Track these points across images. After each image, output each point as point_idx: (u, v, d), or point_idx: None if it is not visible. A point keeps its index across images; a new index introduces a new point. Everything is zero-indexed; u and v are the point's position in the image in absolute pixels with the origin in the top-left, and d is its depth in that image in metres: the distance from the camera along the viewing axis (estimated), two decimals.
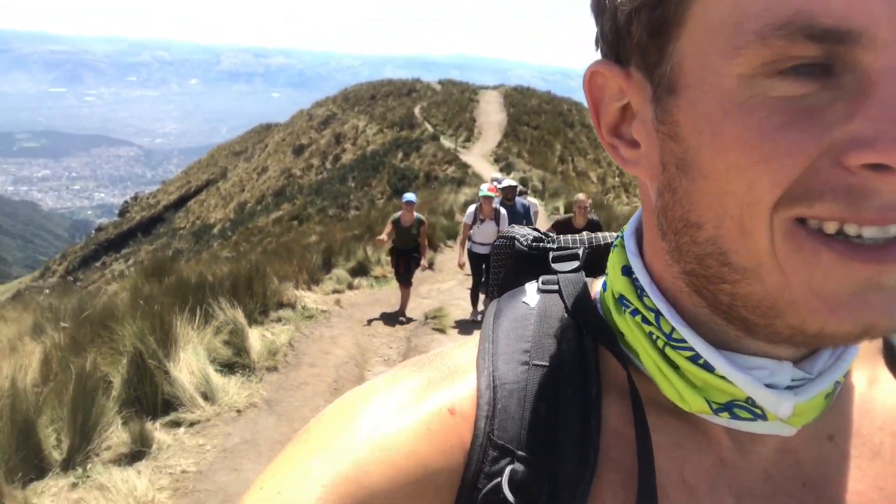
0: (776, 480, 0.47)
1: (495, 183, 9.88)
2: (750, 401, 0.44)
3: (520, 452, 0.45)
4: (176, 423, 3.98)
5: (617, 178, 38.17)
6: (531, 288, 0.56)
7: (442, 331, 7.17)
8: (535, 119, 44.08)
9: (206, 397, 4.20)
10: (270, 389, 4.69)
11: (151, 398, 4.02)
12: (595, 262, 0.58)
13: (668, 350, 0.47)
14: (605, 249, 0.59)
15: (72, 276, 47.93)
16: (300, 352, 5.83)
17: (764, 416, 0.44)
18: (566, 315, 0.52)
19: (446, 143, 38.27)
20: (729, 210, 0.39)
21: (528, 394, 0.47)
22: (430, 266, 8.80)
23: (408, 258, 8.09)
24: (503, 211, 7.57)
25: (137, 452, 3.45)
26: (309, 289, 8.42)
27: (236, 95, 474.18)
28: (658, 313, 0.47)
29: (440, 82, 63.98)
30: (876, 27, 0.34)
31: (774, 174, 0.36)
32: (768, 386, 0.44)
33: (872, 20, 0.34)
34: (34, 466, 2.99)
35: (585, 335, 0.51)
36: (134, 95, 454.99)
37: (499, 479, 0.44)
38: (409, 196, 8.15)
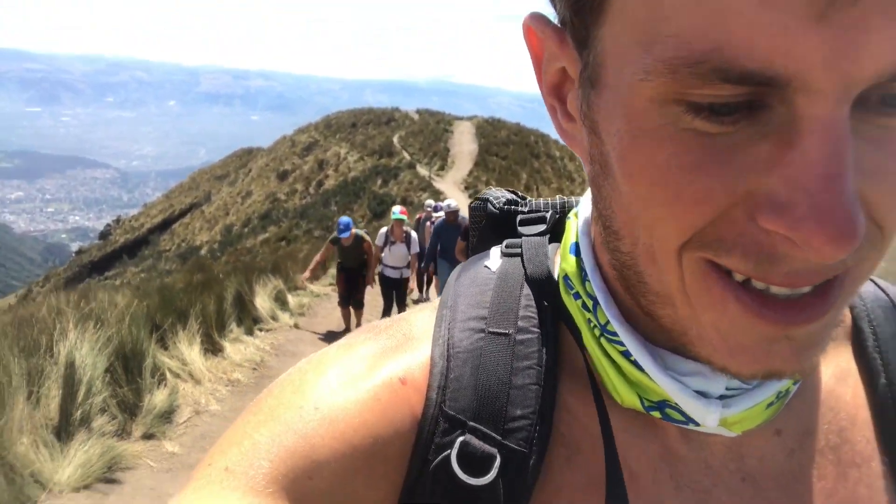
0: (717, 473, 0.46)
1: (429, 209, 10.56)
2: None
3: (471, 423, 0.44)
4: (259, 329, 7.30)
5: None
6: (495, 252, 0.55)
7: None
8: (504, 150, 47.44)
9: (273, 318, 7.83)
10: (303, 321, 8.26)
11: (249, 314, 7.37)
12: (563, 227, 0.54)
13: (603, 341, 0.45)
14: None
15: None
16: (315, 309, 9.16)
17: (696, 422, 0.43)
18: (526, 281, 0.50)
19: (422, 171, 41.31)
20: (640, 236, 0.37)
21: (482, 363, 0.45)
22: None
23: (355, 276, 7.61)
24: (413, 234, 7.65)
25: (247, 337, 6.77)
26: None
27: (215, 118, 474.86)
28: (596, 302, 0.45)
29: (418, 111, 67.20)
30: (808, 74, 0.29)
31: (679, 220, 0.34)
32: (700, 393, 0.42)
33: (806, 66, 0.29)
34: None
35: (544, 303, 0.49)
36: (111, 116, 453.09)
37: (448, 452, 0.43)
38: (342, 225, 7.35)
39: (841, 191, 0.30)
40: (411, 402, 0.45)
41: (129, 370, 4.23)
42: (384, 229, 7.69)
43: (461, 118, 61.02)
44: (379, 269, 7.68)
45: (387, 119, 64.22)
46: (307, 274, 8.22)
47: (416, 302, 9.02)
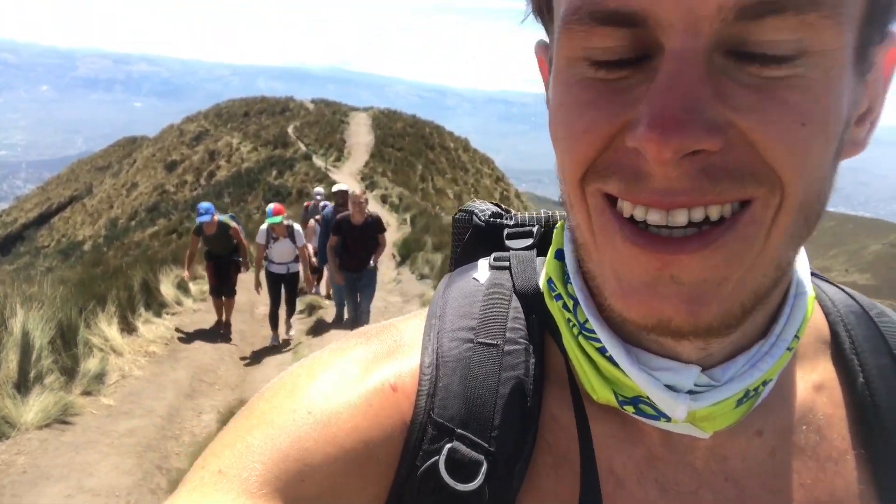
0: (701, 474, 0.47)
1: (318, 196, 10.16)
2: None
3: (459, 430, 0.45)
4: (166, 313, 8.00)
5: (472, 196, 43.48)
6: (483, 264, 0.56)
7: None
8: (400, 141, 48.57)
9: (178, 303, 8.58)
10: (205, 305, 8.81)
11: (156, 300, 7.99)
12: (549, 240, 0.57)
13: (581, 339, 0.47)
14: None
15: None
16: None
17: (666, 416, 0.45)
18: (514, 293, 0.52)
19: (318, 162, 41.64)
20: (564, 181, 0.42)
21: (470, 372, 0.47)
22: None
23: (226, 264, 7.39)
24: (297, 226, 7.31)
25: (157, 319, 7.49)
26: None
27: (94, 104, 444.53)
28: (576, 302, 0.47)
29: (313, 101, 66.76)
30: (659, 9, 0.34)
31: (574, 150, 0.39)
32: (669, 387, 0.43)
33: (657, 3, 0.34)
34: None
35: (532, 315, 0.50)
36: None
37: (436, 458, 0.44)
38: (202, 210, 7.02)
39: (674, 98, 0.34)
40: (401, 408, 0.46)
41: (66, 342, 5.11)
42: (264, 226, 7.16)
43: (357, 109, 61.44)
44: (265, 265, 7.33)
45: (281, 109, 63.54)
46: (186, 273, 7.74)
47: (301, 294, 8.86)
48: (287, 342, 7.77)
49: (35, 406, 4.30)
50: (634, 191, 0.37)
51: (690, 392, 0.44)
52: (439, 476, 0.44)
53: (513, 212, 0.62)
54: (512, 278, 0.53)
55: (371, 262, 6.89)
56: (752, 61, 0.35)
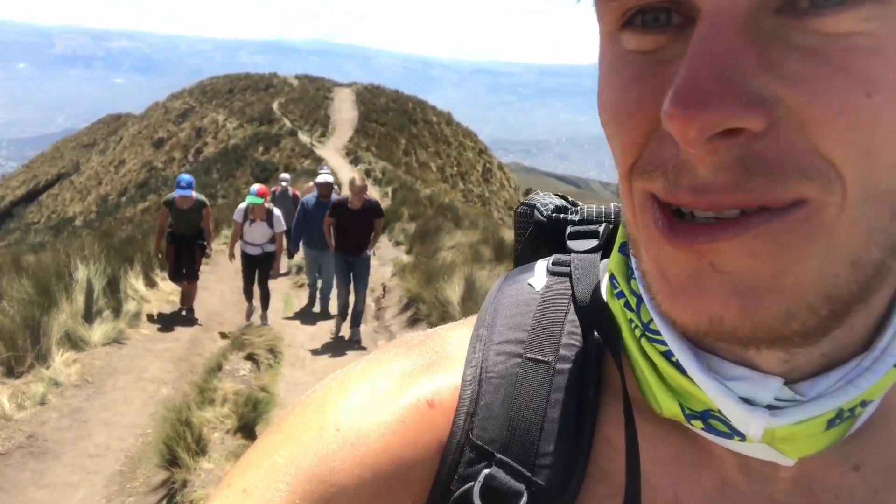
0: None
1: (283, 183, 9.79)
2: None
3: (499, 455, 0.41)
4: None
5: (454, 168, 44.99)
6: (541, 267, 0.51)
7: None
8: (383, 117, 49.64)
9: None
10: (207, 269, 9.68)
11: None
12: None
13: (643, 342, 0.42)
14: None
15: None
16: (216, 258, 11.08)
17: (742, 435, 0.38)
18: (573, 304, 0.47)
19: (303, 138, 42.62)
20: (618, 173, 0.36)
21: (516, 391, 0.43)
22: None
23: (190, 246, 7.09)
24: (277, 211, 7.17)
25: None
26: None
27: (74, 81, 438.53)
28: (640, 300, 0.42)
29: (297, 77, 67.44)
30: None
31: (622, 135, 0.34)
32: (745, 400, 0.37)
33: None
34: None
35: (590, 330, 0.45)
36: None
37: (472, 484, 0.41)
38: (184, 184, 6.92)
39: (707, 64, 0.29)
40: (438, 426, 0.43)
41: (112, 289, 6.78)
42: (243, 205, 7.08)
43: (341, 85, 62.33)
44: (240, 245, 7.16)
45: (265, 85, 64.29)
46: (157, 252, 7.51)
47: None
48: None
49: (98, 331, 5.95)
50: (673, 187, 0.32)
51: (770, 407, 0.37)
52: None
53: (581, 205, 0.55)
54: (571, 286, 0.47)
55: (368, 250, 6.82)
56: (805, 14, 0.29)
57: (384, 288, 9.09)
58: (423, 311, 7.20)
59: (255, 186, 7.18)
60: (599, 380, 0.44)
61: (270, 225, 7.12)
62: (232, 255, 7.41)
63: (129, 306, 6.88)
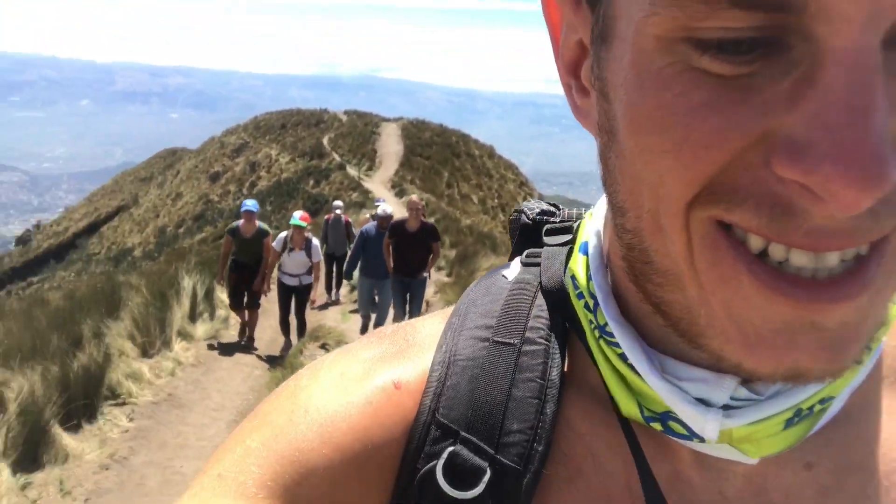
0: None
1: (337, 211, 10.08)
2: None
3: (464, 434, 0.42)
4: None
5: (496, 200, 46.38)
6: (516, 262, 0.53)
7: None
8: (428, 150, 51.40)
9: None
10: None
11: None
12: None
13: (602, 343, 0.42)
14: None
15: None
16: None
17: (700, 437, 0.38)
18: (540, 290, 0.48)
19: (351, 171, 44.47)
20: (645, 201, 0.33)
21: (482, 372, 0.43)
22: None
23: (252, 274, 7.15)
24: (315, 241, 7.18)
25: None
26: None
27: (132, 116, 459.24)
28: (597, 301, 0.43)
29: (346, 113, 69.95)
30: None
31: (688, 168, 0.30)
32: (701, 401, 0.38)
33: None
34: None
35: (556, 314, 0.46)
36: (17, 117, 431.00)
37: (436, 462, 0.41)
38: (249, 204, 7.12)
39: (867, 126, 0.26)
40: (405, 407, 0.44)
41: (208, 298, 8.41)
42: (283, 234, 7.11)
43: (388, 120, 64.52)
44: (278, 275, 7.21)
45: (316, 121, 67.02)
46: (219, 276, 7.64)
47: (321, 308, 8.85)
48: None
49: (200, 329, 7.57)
50: (782, 229, 0.28)
51: (726, 407, 0.37)
52: (437, 481, 0.41)
53: (565, 210, 0.56)
54: (540, 275, 0.49)
55: (425, 272, 6.94)
56: None
57: (427, 304, 10.47)
58: None
59: (298, 213, 7.23)
60: (563, 362, 0.44)
61: (309, 255, 7.12)
62: (269, 289, 7.27)
63: (221, 311, 8.48)
